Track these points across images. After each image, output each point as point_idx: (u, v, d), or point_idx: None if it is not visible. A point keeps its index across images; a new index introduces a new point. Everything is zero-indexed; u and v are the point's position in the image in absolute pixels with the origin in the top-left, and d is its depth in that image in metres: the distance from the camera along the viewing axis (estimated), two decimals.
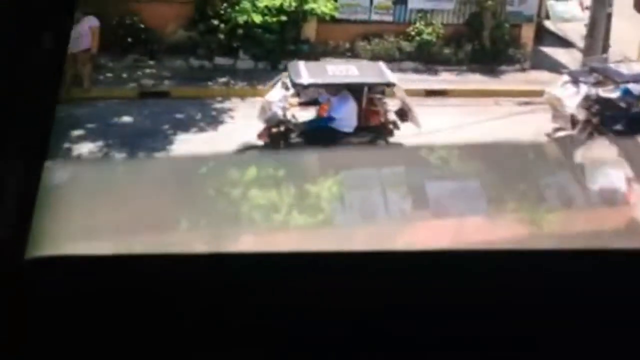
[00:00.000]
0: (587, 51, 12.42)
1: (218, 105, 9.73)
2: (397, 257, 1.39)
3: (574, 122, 9.31)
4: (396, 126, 8.57)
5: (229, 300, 1.27)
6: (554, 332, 1.28)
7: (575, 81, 9.73)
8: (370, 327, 1.26)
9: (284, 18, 11.43)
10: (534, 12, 12.98)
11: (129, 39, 10.93)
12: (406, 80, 11.42)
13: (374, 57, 12.03)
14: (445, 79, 11.71)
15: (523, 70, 12.39)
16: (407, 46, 12.25)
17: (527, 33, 12.84)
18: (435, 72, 11.96)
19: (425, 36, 12.29)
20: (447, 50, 12.24)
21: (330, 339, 1.27)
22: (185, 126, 9.02)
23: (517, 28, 12.71)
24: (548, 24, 14.12)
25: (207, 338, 1.25)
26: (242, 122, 9.35)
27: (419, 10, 12.57)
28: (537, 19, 13.20)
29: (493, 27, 12.51)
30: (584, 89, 9.49)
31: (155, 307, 1.25)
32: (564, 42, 14.06)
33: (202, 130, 8.99)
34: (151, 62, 10.94)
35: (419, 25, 12.42)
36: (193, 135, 8.87)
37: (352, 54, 12.11)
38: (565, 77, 10.04)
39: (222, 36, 11.23)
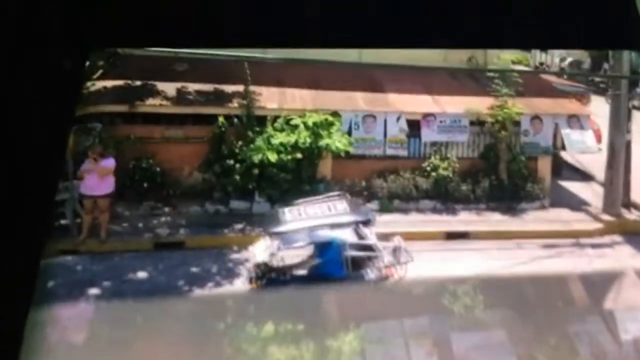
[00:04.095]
0: (608, 183, 12.04)
1: (234, 256, 9.50)
2: None
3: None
4: None
5: None
6: None
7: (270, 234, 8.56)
8: None
9: (299, 155, 11.31)
10: (550, 143, 12.53)
11: (145, 184, 10.89)
12: (426, 222, 11.22)
13: (391, 195, 11.91)
14: (464, 220, 11.43)
15: (543, 207, 12.05)
16: (423, 182, 12.11)
17: (544, 166, 12.51)
18: (454, 212, 11.75)
19: (441, 171, 12.10)
20: (464, 187, 12.06)
21: None
22: (201, 280, 8.77)
23: (534, 161, 12.40)
24: (565, 155, 13.76)
25: None
26: None
27: (433, 144, 12.41)
28: (553, 151, 12.82)
29: (509, 160, 12.32)
30: (274, 245, 8.31)
31: None
32: (584, 175, 13.76)
33: (218, 284, 8.72)
34: (166, 209, 10.85)
35: (434, 159, 12.26)
36: (209, 290, 8.59)
37: (368, 192, 11.98)
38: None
39: (237, 177, 11.09)
